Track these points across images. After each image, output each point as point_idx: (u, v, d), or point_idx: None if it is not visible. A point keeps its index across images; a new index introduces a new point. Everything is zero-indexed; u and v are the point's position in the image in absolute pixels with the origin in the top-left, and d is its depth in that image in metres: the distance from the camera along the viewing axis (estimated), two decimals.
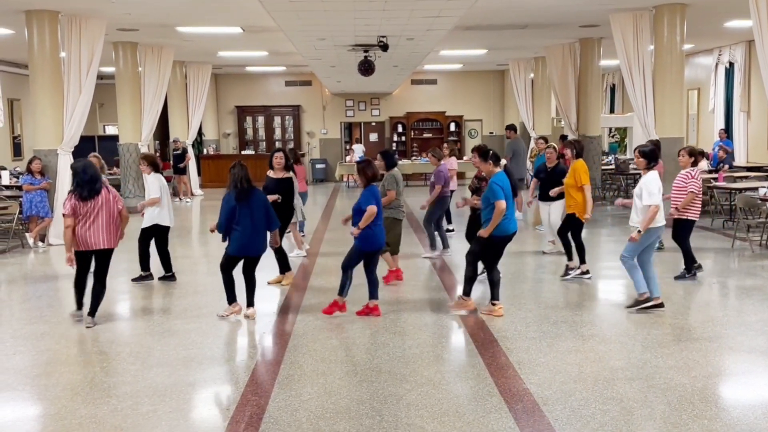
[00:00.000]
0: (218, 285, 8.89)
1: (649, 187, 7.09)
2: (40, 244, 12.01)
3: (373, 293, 7.37)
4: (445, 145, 13.11)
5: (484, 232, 7.12)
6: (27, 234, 12.08)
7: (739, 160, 17.68)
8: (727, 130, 18.38)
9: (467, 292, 7.35)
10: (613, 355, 6.06)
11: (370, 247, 7.22)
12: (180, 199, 19.22)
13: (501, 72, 26.00)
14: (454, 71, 25.77)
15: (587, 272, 8.83)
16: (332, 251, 11.31)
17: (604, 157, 20.13)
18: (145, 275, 9.14)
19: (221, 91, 26.09)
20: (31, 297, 8.57)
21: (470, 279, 7.32)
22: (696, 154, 8.82)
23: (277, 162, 8.93)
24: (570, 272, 8.82)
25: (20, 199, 12.16)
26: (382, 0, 9.63)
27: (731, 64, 18.34)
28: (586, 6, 12.62)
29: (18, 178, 15.02)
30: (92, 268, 7.20)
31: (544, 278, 8.89)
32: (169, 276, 9.20)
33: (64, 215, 7.04)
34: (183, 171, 19.76)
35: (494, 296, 7.33)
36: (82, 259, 7.10)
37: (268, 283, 8.80)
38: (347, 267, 7.26)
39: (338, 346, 6.36)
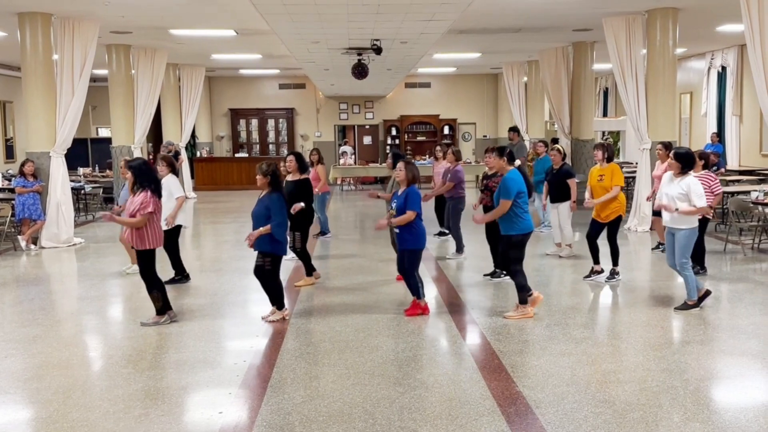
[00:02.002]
0: (210, 287, 8.92)
1: (697, 189, 7.15)
2: (32, 246, 11.97)
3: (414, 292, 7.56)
4: (438, 148, 13.09)
5: (479, 218, 7.66)
6: (19, 237, 12.04)
7: (732, 163, 17.75)
8: (720, 134, 18.45)
9: (523, 300, 7.27)
10: (605, 358, 6.07)
11: (422, 244, 7.37)
12: None
13: (494, 75, 26.06)
14: (448, 74, 25.82)
15: (604, 274, 8.91)
16: (324, 254, 11.31)
17: None
18: (178, 278, 9.16)
19: (215, 93, 26.07)
20: (24, 300, 8.53)
21: (522, 286, 7.24)
22: (707, 158, 9.00)
23: (288, 165, 9.19)
24: (616, 276, 8.80)
25: (13, 201, 12.12)
26: (376, 3, 9.64)
27: (723, 68, 18.42)
28: (579, 10, 12.66)
29: (10, 180, 14.95)
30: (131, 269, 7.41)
31: (538, 281, 8.88)
32: (178, 279, 9.19)
33: (148, 212, 6.89)
34: (176, 173, 19.69)
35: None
36: (153, 257, 7.12)
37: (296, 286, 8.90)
38: (412, 270, 7.39)
39: (331, 350, 6.36)
